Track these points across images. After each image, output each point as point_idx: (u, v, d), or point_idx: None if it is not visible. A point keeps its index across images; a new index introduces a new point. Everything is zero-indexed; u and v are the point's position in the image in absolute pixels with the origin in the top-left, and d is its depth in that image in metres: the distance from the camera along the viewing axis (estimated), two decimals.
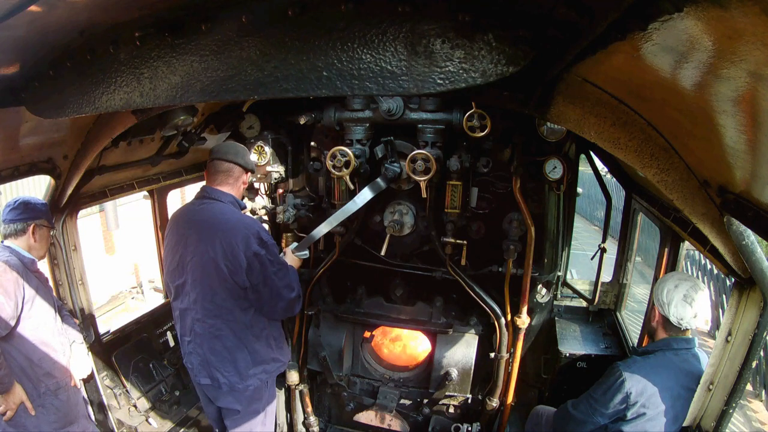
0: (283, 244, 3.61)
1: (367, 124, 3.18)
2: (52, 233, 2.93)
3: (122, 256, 11.38)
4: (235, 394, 2.90)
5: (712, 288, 8.85)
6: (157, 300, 8.36)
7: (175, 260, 2.84)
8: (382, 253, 3.33)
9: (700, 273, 9.59)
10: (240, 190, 2.98)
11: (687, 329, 2.47)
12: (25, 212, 2.71)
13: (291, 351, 3.87)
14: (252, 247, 2.71)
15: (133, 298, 11.07)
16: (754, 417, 6.42)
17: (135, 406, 3.58)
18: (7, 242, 2.71)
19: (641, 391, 2.39)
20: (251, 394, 2.94)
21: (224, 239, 2.69)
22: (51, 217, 2.86)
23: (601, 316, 3.96)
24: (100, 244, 10.88)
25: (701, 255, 8.16)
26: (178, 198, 12.37)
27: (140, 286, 11.32)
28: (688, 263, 9.96)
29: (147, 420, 3.61)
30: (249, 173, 3.01)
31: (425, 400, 3.80)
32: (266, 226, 3.52)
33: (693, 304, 2.40)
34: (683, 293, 2.41)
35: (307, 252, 3.32)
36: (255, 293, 2.78)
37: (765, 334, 1.79)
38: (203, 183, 2.98)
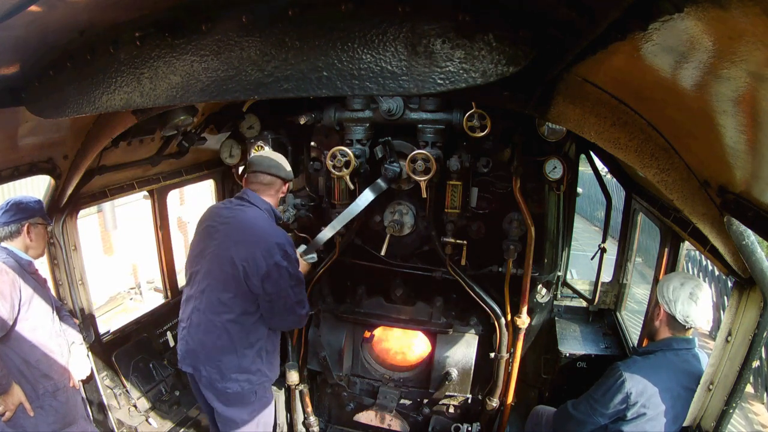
0: None
1: (367, 124, 3.18)
2: (49, 229, 2.92)
3: (120, 256, 11.35)
4: (214, 391, 2.88)
5: (713, 289, 8.84)
6: (155, 301, 8.34)
7: (197, 249, 2.88)
8: (382, 253, 3.33)
9: (701, 274, 9.55)
10: (278, 200, 3.02)
11: (690, 328, 2.48)
12: (17, 213, 2.70)
13: (292, 352, 3.87)
14: (275, 256, 2.71)
15: (131, 299, 11.04)
16: (756, 420, 6.37)
17: (135, 406, 3.58)
18: (3, 244, 2.70)
19: (641, 391, 2.39)
20: (231, 397, 2.90)
21: (250, 244, 2.71)
22: (45, 213, 2.84)
23: (601, 316, 3.96)
24: (98, 244, 10.84)
25: (701, 255, 8.15)
26: (177, 198, 12.37)
27: (138, 287, 11.27)
28: (690, 264, 9.93)
29: (147, 420, 3.61)
30: (288, 183, 3.04)
31: (425, 400, 3.79)
32: None
33: (698, 302, 2.41)
34: (689, 291, 2.41)
35: (315, 255, 3.31)
36: (268, 303, 2.78)
37: (765, 334, 1.79)
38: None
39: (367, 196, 3.11)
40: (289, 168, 3.01)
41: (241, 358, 2.84)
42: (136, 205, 10.98)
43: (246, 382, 2.89)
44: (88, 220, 10.24)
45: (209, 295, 2.77)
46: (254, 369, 2.91)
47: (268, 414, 3.13)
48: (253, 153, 3.43)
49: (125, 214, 11.03)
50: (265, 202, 2.91)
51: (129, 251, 11.25)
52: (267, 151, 3.05)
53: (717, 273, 8.78)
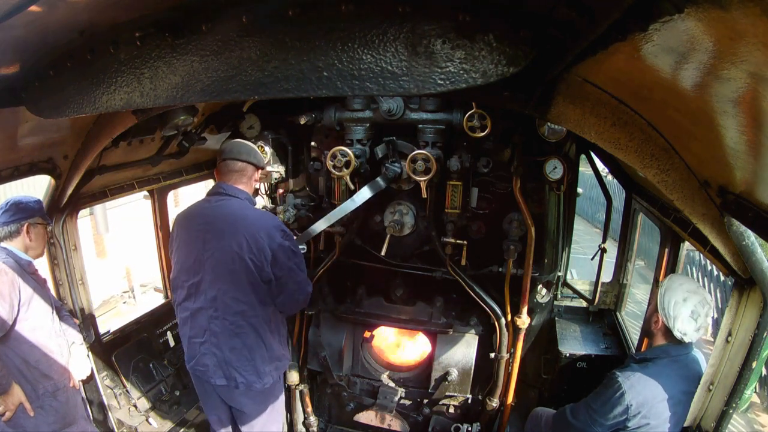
0: None
1: (368, 124, 3.18)
2: (48, 229, 2.91)
3: (113, 260, 11.24)
4: (251, 394, 2.89)
5: (718, 294, 8.73)
6: (149, 304, 8.30)
7: (189, 258, 2.77)
8: (383, 253, 3.33)
9: (706, 279, 9.35)
10: (252, 187, 2.99)
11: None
12: (17, 213, 2.69)
13: (291, 351, 3.88)
14: (276, 239, 2.72)
15: (125, 302, 10.94)
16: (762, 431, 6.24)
17: (135, 406, 3.58)
18: (3, 244, 2.69)
19: (642, 402, 2.36)
20: (267, 392, 2.94)
21: (249, 233, 2.68)
22: (45, 213, 2.83)
23: (601, 316, 3.96)
24: (90, 248, 10.73)
25: (701, 256, 8.12)
26: (172, 199, 12.29)
27: (132, 291, 11.19)
28: (691, 265, 9.85)
29: (147, 420, 3.61)
30: (260, 170, 3.01)
31: (425, 400, 3.80)
32: None
33: (698, 320, 2.37)
34: (691, 309, 2.36)
35: (305, 246, 3.32)
36: (279, 286, 2.77)
37: (765, 334, 1.79)
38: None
39: (364, 194, 3.11)
40: (260, 155, 2.98)
41: (269, 349, 2.87)
42: (128, 207, 10.91)
43: (275, 371, 2.94)
44: (80, 223, 10.20)
45: (223, 299, 2.72)
46: (280, 355, 2.98)
47: (282, 398, 3.23)
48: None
49: (118, 215, 10.95)
50: (242, 191, 2.86)
51: (122, 254, 11.16)
52: (237, 139, 3.04)
53: (722, 278, 8.66)
